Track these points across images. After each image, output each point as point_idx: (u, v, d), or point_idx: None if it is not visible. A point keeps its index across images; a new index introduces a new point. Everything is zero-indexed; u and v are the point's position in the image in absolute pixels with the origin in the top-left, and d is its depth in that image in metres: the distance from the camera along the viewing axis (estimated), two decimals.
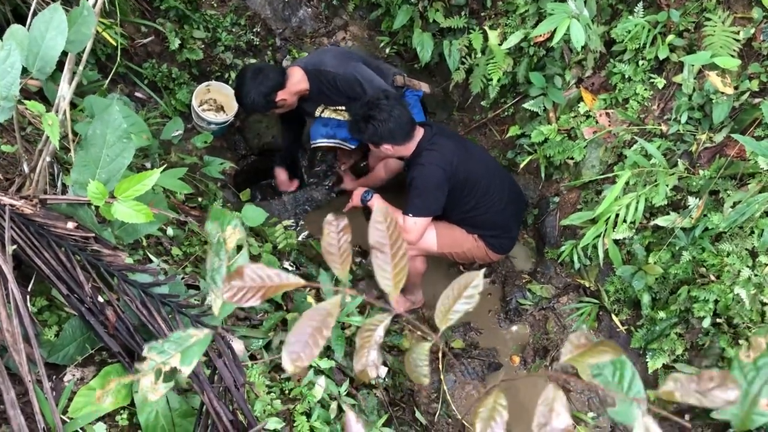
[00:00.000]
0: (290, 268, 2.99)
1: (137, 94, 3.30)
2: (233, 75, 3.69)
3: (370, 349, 0.82)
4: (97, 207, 1.52)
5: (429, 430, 2.85)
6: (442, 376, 3.07)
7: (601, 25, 3.03)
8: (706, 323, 2.56)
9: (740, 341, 2.51)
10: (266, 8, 3.82)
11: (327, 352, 2.45)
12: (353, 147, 3.44)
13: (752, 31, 2.56)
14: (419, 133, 2.90)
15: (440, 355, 3.11)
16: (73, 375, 1.61)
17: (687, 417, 2.67)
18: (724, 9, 2.63)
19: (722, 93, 2.54)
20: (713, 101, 2.59)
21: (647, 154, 2.76)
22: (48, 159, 1.68)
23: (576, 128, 3.17)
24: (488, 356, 3.22)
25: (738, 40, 2.54)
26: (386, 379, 2.77)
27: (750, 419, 0.82)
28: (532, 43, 3.17)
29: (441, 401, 3.00)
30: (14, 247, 1.50)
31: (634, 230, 2.80)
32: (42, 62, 1.55)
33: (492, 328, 3.38)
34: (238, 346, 2.03)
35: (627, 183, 2.71)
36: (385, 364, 2.80)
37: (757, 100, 2.54)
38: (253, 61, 3.78)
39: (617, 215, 2.72)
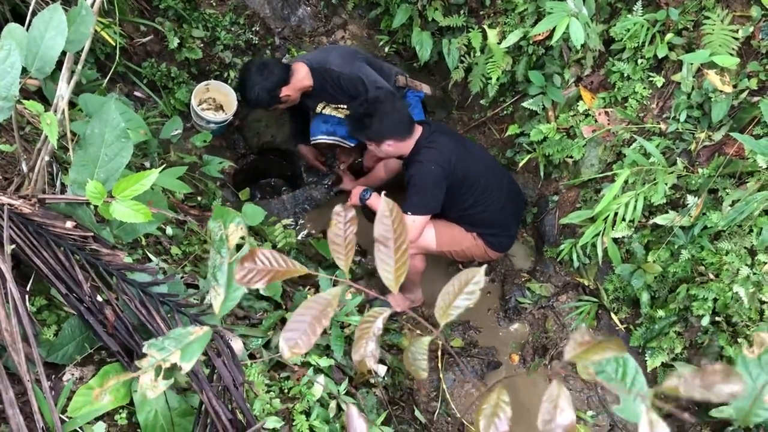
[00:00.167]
0: None
1: (136, 93, 3.30)
2: (232, 74, 3.68)
3: (369, 340, 0.83)
4: (95, 206, 1.52)
5: (428, 428, 2.86)
6: (441, 375, 3.07)
7: (600, 24, 3.03)
8: (705, 321, 2.57)
9: (739, 339, 2.51)
10: (265, 7, 3.82)
11: (326, 350, 2.45)
12: (352, 145, 3.44)
13: (751, 29, 2.56)
14: (418, 131, 2.91)
15: (440, 353, 3.11)
16: (72, 374, 1.61)
17: (686, 415, 2.67)
18: (722, 7, 2.63)
19: (721, 91, 2.54)
20: (712, 100, 2.59)
21: (646, 152, 2.77)
22: (47, 158, 1.68)
23: (575, 127, 3.17)
24: (487, 355, 3.23)
25: (737, 39, 2.54)
26: (385, 378, 2.77)
27: (754, 414, 0.82)
28: (531, 42, 3.17)
29: (440, 400, 3.00)
30: (13, 246, 1.50)
31: (633, 229, 2.80)
32: (41, 62, 1.55)
33: (491, 327, 3.38)
34: (237, 345, 2.03)
35: (626, 181, 2.71)
36: (384, 362, 2.80)
37: (755, 99, 2.54)
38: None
39: (616, 214, 2.72)
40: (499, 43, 3.18)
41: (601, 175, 3.08)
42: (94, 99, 2.20)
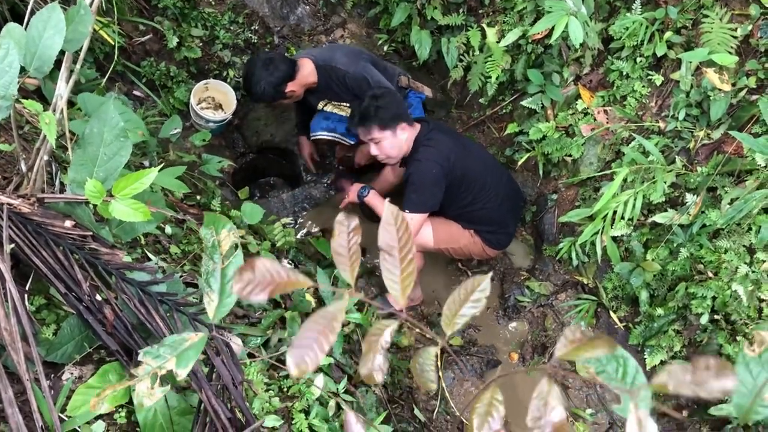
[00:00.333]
0: (288, 266, 2.99)
1: (135, 92, 3.29)
2: (231, 73, 3.68)
3: (377, 353, 0.81)
4: (94, 205, 1.52)
5: (428, 427, 2.86)
6: (440, 374, 3.08)
7: (599, 22, 3.03)
8: (704, 320, 2.57)
9: (738, 337, 2.51)
10: (264, 6, 3.82)
11: None
12: (352, 143, 3.44)
13: (750, 27, 2.56)
14: (416, 127, 2.90)
15: (439, 352, 3.11)
16: (72, 373, 1.61)
17: (685, 413, 2.68)
18: (721, 6, 2.63)
19: (720, 90, 2.54)
20: (711, 98, 2.59)
21: (645, 151, 2.77)
22: (45, 158, 1.68)
23: (574, 125, 3.17)
24: (487, 353, 3.23)
25: (735, 37, 2.54)
26: (385, 377, 2.77)
27: (754, 412, 0.82)
28: (530, 41, 3.17)
29: (440, 398, 3.01)
30: (12, 245, 1.50)
31: (632, 227, 2.80)
32: (40, 61, 1.55)
33: (490, 326, 3.38)
34: (236, 344, 2.03)
35: (625, 180, 2.71)
36: None
37: (754, 97, 2.54)
38: None
39: (615, 212, 2.72)
40: (498, 42, 3.18)
41: (600, 174, 3.09)
42: (93, 98, 2.20)
